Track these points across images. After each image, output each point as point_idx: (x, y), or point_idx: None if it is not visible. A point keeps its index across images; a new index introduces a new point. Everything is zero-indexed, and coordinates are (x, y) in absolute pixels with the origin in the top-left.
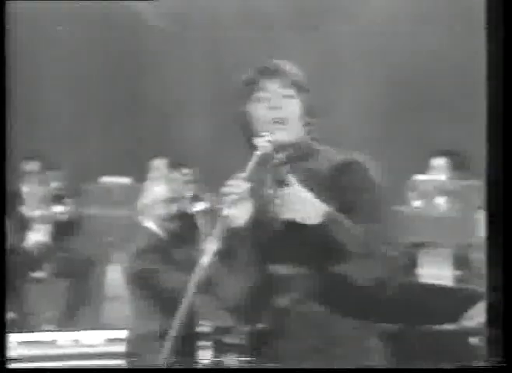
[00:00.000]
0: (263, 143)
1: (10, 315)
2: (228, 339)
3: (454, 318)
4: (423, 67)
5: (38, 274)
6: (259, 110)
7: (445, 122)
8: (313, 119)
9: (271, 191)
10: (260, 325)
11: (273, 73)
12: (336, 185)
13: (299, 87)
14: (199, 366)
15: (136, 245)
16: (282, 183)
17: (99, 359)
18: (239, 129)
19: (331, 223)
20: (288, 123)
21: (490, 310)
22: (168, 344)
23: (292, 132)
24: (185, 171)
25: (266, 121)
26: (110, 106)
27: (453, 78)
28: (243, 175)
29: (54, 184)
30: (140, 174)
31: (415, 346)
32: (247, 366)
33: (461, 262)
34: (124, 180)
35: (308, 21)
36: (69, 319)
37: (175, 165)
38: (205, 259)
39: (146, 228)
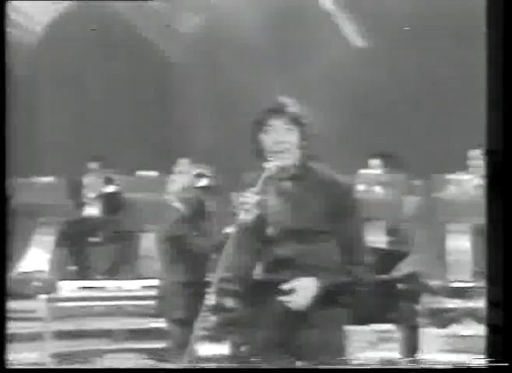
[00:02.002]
0: (269, 166)
1: (73, 268)
2: (227, 287)
3: (387, 271)
4: (379, 88)
5: (94, 239)
6: (267, 141)
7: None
8: (309, 143)
9: (273, 203)
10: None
11: (278, 113)
12: (323, 197)
13: (298, 122)
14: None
15: (167, 218)
16: (283, 195)
17: (136, 300)
18: (253, 153)
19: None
20: (288, 151)
21: (491, 310)
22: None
23: (291, 157)
24: (201, 167)
25: (272, 150)
26: (145, 124)
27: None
28: (255, 189)
29: (106, 175)
30: (165, 170)
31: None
32: (247, 366)
33: (392, 231)
34: (153, 173)
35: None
36: (115, 271)
37: (194, 163)
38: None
39: (174, 207)
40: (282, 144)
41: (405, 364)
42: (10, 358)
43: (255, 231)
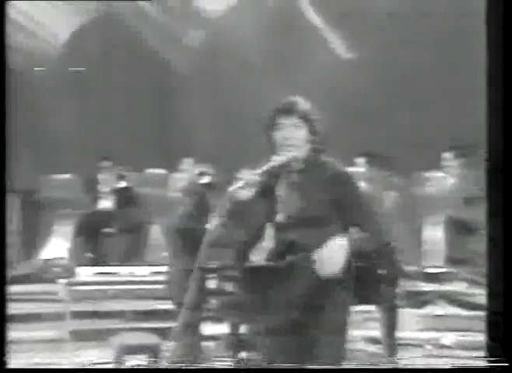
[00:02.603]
0: (277, 158)
1: (89, 256)
2: (228, 273)
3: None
4: (363, 94)
5: (108, 230)
6: (277, 138)
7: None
8: (317, 138)
9: (283, 192)
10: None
11: (287, 111)
12: (332, 189)
13: (306, 119)
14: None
15: (174, 212)
16: (292, 185)
17: (146, 285)
18: (268, 149)
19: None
20: (297, 146)
21: (491, 310)
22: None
23: (299, 152)
24: (204, 166)
25: (281, 146)
26: (154, 128)
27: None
28: (257, 171)
29: (119, 172)
30: (171, 168)
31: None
32: (246, 366)
33: None
34: (161, 171)
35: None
36: (127, 258)
37: (197, 162)
38: (216, 221)
39: (179, 201)
40: (290, 139)
41: (384, 341)
42: (33, 334)
43: (266, 217)
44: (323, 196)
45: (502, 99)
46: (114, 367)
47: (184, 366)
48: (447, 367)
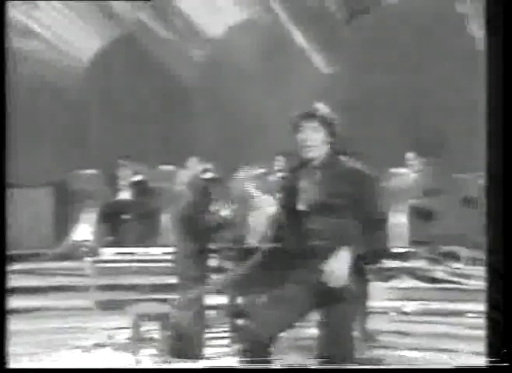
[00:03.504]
0: (300, 158)
1: (110, 238)
2: (227, 253)
3: None
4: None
5: (126, 216)
6: (299, 139)
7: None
8: (335, 139)
9: (305, 185)
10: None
11: (309, 117)
12: (347, 182)
13: (325, 123)
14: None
15: (180, 202)
16: (312, 179)
17: (158, 263)
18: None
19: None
20: (316, 147)
21: (491, 310)
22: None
23: (317, 152)
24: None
25: (303, 146)
26: (165, 131)
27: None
28: (286, 175)
29: (135, 168)
30: (179, 165)
31: None
32: (247, 366)
33: None
34: (170, 167)
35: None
36: (142, 241)
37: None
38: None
39: (185, 193)
40: (310, 141)
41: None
42: (66, 303)
43: (289, 208)
44: (339, 190)
45: (502, 100)
46: (117, 367)
47: (184, 366)
48: (447, 367)
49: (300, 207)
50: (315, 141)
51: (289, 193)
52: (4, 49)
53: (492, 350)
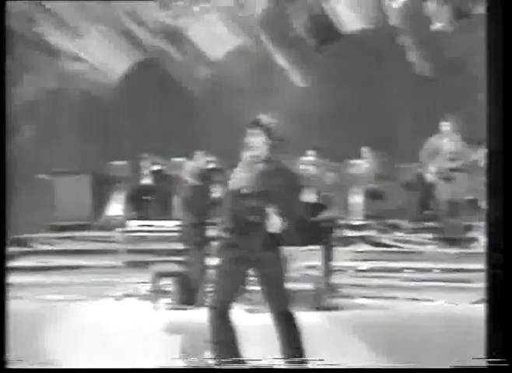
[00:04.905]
0: (247, 155)
1: (135, 214)
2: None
3: (315, 215)
4: (315, 110)
5: (147, 197)
6: (247, 142)
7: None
8: (276, 142)
9: (248, 176)
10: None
11: (253, 124)
12: (277, 176)
13: (266, 129)
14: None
15: (187, 186)
16: (253, 172)
17: (171, 233)
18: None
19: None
20: (257, 148)
21: (490, 310)
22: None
23: (258, 152)
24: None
25: (249, 147)
26: (178, 131)
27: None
28: (237, 169)
29: (154, 160)
30: (188, 157)
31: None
32: (246, 366)
33: (318, 193)
34: (181, 159)
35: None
36: (159, 216)
37: (206, 154)
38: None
39: (190, 181)
40: (251, 143)
41: (323, 267)
42: (101, 263)
43: (237, 192)
44: (271, 181)
45: (502, 98)
46: (116, 367)
47: (184, 366)
48: (446, 367)
49: (243, 191)
50: (257, 143)
51: (235, 181)
52: (4, 48)
53: (492, 349)
